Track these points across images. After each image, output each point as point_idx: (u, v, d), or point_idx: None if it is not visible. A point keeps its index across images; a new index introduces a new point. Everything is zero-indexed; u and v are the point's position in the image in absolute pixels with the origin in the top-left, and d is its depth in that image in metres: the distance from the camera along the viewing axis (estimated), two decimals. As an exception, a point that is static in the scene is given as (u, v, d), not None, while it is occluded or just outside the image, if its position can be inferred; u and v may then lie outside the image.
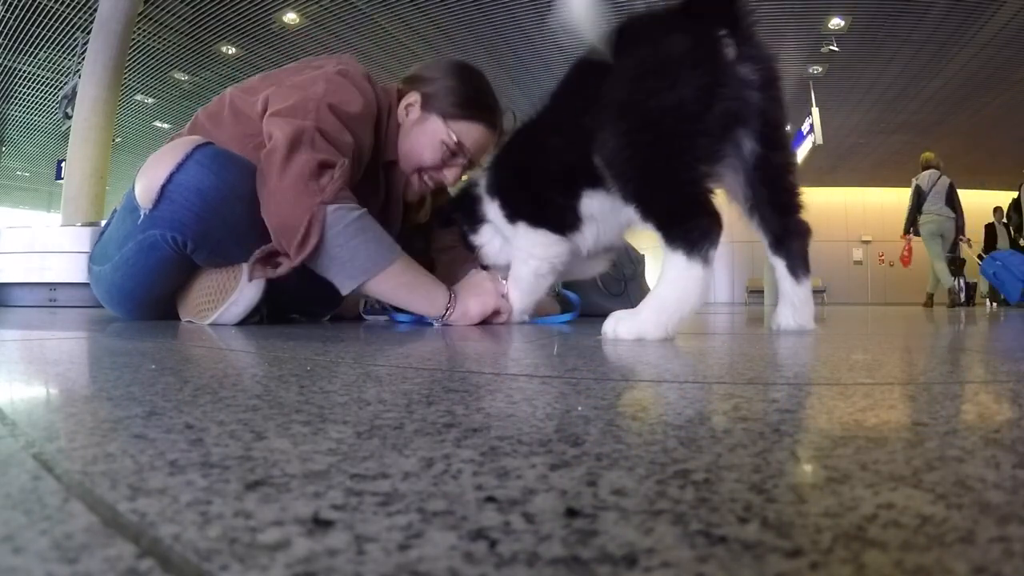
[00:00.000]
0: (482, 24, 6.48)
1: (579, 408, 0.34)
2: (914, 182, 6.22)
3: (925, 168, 6.15)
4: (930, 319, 2.23)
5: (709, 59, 0.82)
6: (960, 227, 5.93)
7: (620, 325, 0.82)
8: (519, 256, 1.16)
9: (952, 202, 5.92)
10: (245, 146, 1.16)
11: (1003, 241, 8.20)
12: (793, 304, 1.02)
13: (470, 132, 1.33)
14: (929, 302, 6.28)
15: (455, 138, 1.31)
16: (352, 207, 1.07)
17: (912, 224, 6.06)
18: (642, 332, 0.80)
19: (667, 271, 0.81)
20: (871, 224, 11.98)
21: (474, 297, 1.20)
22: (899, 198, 13.87)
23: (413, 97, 1.33)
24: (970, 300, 7.20)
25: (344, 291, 1.10)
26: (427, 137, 1.32)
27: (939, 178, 5.97)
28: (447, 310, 1.17)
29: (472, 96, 1.34)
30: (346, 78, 1.20)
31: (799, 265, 1.00)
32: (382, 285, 1.09)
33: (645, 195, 0.82)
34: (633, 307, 0.84)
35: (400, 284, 1.12)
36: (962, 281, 6.45)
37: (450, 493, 0.19)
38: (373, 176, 1.30)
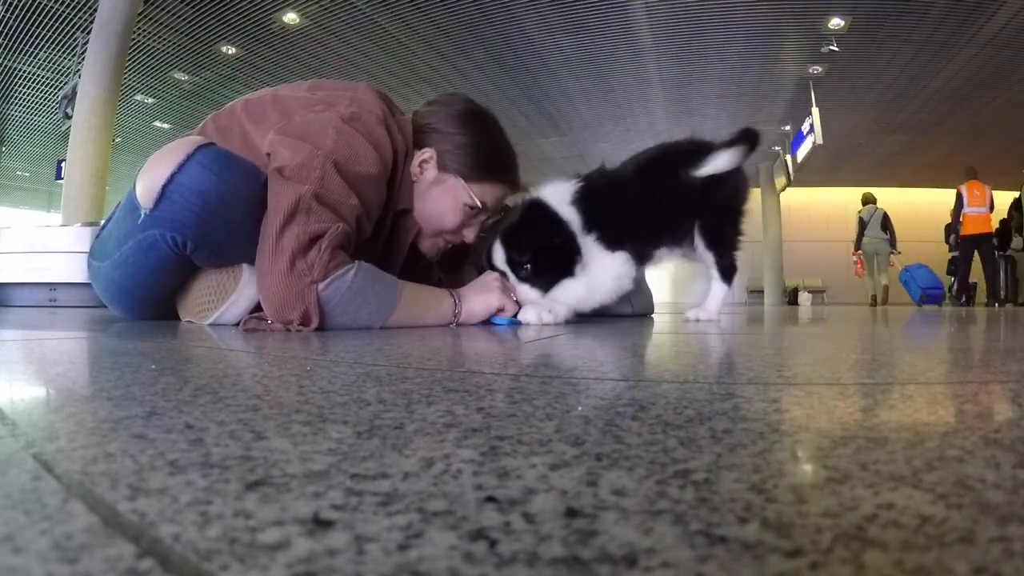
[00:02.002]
0: (482, 24, 6.48)
1: (579, 408, 0.34)
2: (858, 214, 8.36)
3: (865, 203, 8.34)
4: (928, 319, 2.23)
5: None
6: (892, 244, 8.07)
7: (700, 313, 1.47)
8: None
9: (885, 227, 8.06)
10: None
11: (1016, 241, 8.40)
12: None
13: (492, 193, 1.31)
14: (873, 302, 8.01)
15: (478, 202, 1.29)
16: (344, 271, 1.04)
17: (858, 245, 8.26)
18: (712, 315, 1.47)
19: (716, 289, 1.45)
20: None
21: (479, 296, 1.24)
22: (899, 198, 13.86)
23: (428, 154, 1.27)
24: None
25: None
26: (448, 202, 1.28)
27: (875, 211, 8.16)
28: (456, 315, 1.20)
29: (491, 156, 1.31)
30: (357, 126, 1.13)
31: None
32: (390, 323, 1.10)
33: (722, 249, 1.43)
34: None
35: (407, 316, 1.13)
36: None
37: (450, 493, 0.19)
38: (379, 224, 1.26)
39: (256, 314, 1.10)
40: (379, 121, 1.17)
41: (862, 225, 8.19)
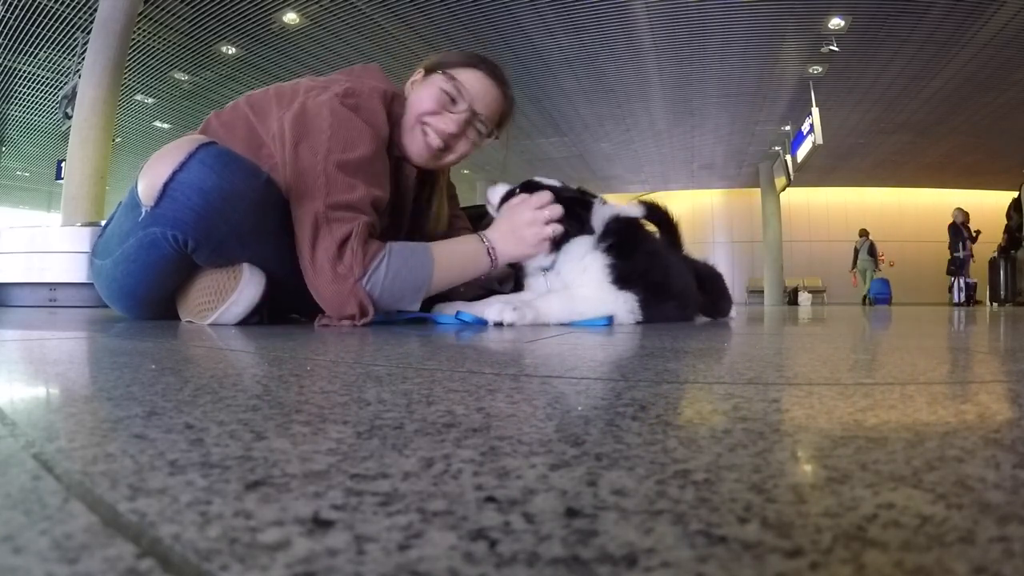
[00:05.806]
0: (482, 24, 6.48)
1: (579, 408, 0.34)
2: (854, 244, 11.61)
3: (860, 236, 11.49)
4: (925, 319, 2.23)
5: None
6: (876, 263, 11.26)
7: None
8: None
9: (871, 253, 11.28)
10: (258, 161, 1.18)
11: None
12: None
13: (468, 78, 1.31)
14: (864, 301, 10.66)
15: (452, 82, 1.29)
16: (378, 262, 1.12)
17: (854, 265, 11.53)
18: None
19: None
20: (871, 224, 12.05)
21: (512, 235, 1.27)
22: (899, 198, 13.87)
23: (417, 72, 1.35)
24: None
25: (411, 309, 1.20)
26: (427, 89, 1.31)
27: (865, 241, 11.37)
28: (493, 264, 1.26)
29: (473, 53, 1.37)
30: (350, 103, 1.17)
31: None
32: (433, 290, 1.18)
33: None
34: None
35: (447, 280, 1.21)
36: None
37: (450, 493, 0.19)
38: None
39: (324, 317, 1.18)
40: (374, 94, 1.23)
41: (856, 252, 11.56)
